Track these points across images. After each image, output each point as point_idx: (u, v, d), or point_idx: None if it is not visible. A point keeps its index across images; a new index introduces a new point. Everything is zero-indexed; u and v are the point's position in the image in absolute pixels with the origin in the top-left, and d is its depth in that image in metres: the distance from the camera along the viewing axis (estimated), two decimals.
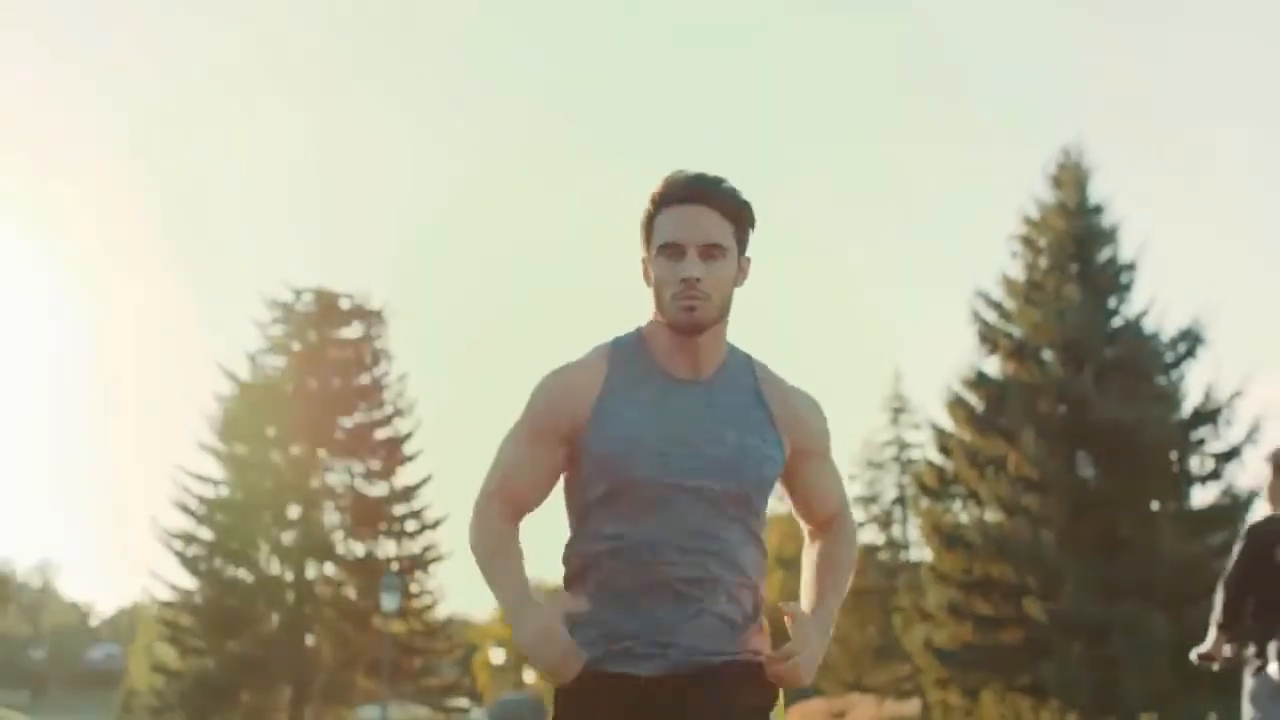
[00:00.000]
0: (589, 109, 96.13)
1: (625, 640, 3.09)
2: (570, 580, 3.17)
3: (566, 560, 3.19)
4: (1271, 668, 6.49)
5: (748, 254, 3.20)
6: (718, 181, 3.17)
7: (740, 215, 3.15)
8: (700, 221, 3.10)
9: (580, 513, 3.16)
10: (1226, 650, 6.74)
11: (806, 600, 3.29)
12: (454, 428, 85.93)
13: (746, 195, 3.20)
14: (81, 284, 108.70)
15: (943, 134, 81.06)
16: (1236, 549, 6.80)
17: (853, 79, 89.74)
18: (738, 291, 3.20)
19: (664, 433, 3.10)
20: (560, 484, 3.24)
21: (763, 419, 3.17)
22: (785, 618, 3.16)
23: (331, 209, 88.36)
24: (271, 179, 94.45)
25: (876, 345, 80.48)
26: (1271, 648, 6.52)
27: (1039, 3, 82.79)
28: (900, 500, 42.39)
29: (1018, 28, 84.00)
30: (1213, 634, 6.80)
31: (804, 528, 3.44)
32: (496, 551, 3.16)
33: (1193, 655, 6.97)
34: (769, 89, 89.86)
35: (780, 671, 3.08)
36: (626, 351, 3.20)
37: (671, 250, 3.10)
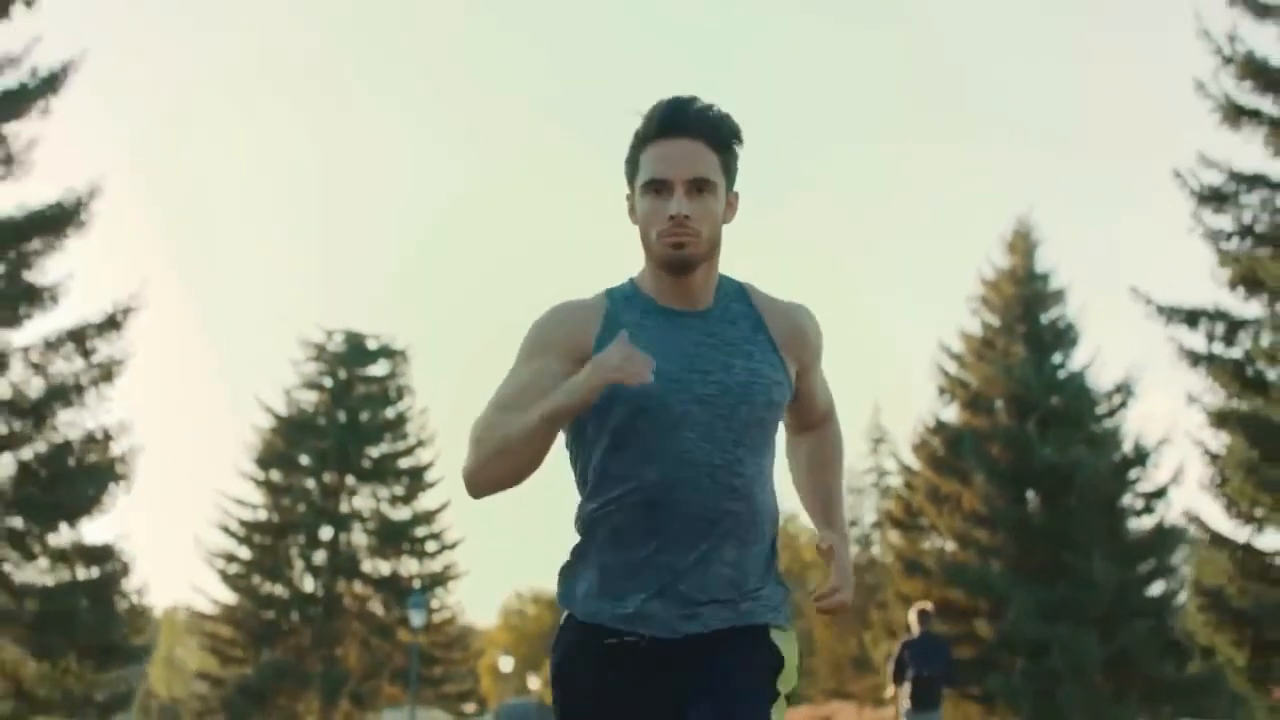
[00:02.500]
0: (590, 120, 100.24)
1: (631, 595, 3.10)
2: (584, 538, 3.18)
3: (580, 520, 3.18)
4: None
5: (736, 189, 3.18)
6: (703, 110, 3.13)
7: (728, 144, 3.13)
8: (686, 156, 3.08)
9: (595, 464, 3.15)
10: None
11: (815, 505, 3.42)
12: None
13: (733, 118, 3.16)
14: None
15: (942, 139, 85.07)
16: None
17: (849, 86, 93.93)
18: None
19: (675, 360, 3.11)
20: (565, 442, 3.23)
21: (766, 344, 3.20)
22: (821, 550, 3.26)
23: (334, 231, 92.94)
24: (273, 212, 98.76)
25: (864, 365, 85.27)
26: None
27: (1039, 11, 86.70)
28: (879, 524, 47.96)
29: (1019, 35, 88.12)
30: None
31: (786, 426, 3.46)
32: (503, 423, 3.03)
33: None
34: (770, 95, 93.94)
35: (829, 606, 3.20)
36: (622, 293, 3.22)
37: (658, 187, 3.08)
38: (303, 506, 42.08)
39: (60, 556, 21.62)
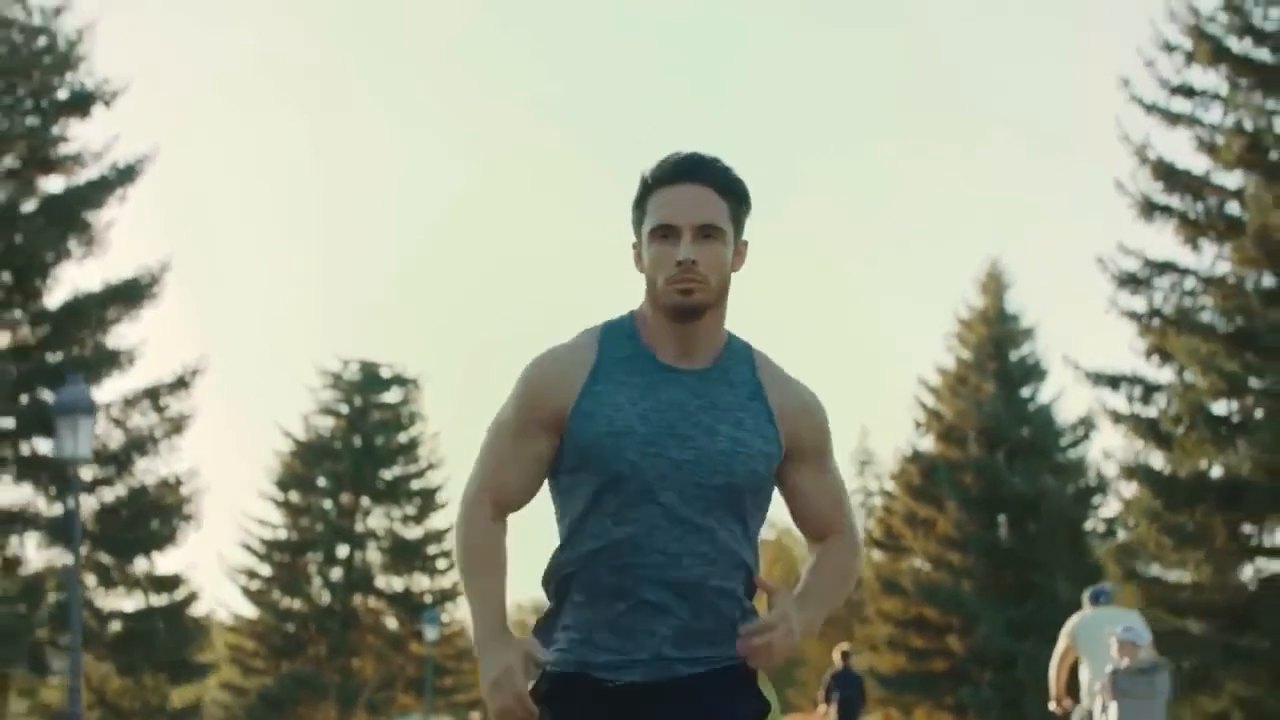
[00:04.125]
0: (595, 127, 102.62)
1: (605, 651, 3.11)
2: (557, 590, 3.19)
3: (554, 568, 3.18)
4: None
5: (745, 238, 3.19)
6: (712, 160, 3.17)
7: (737, 193, 3.15)
8: (695, 201, 3.09)
9: (571, 519, 3.16)
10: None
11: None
12: None
13: (742, 179, 3.18)
14: None
15: (943, 143, 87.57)
16: None
17: (848, 90, 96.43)
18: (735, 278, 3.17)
19: (654, 423, 3.08)
20: (549, 491, 3.25)
21: (760, 412, 3.15)
22: (764, 592, 3.11)
23: (336, 251, 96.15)
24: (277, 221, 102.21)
25: (854, 385, 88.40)
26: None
27: (1034, 13, 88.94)
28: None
29: (1018, 38, 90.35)
30: None
31: (805, 539, 3.40)
32: (481, 564, 3.15)
33: None
34: (771, 100, 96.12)
35: (751, 646, 3.03)
36: (618, 336, 3.19)
37: (665, 232, 3.09)
38: (320, 526, 45.46)
39: (138, 584, 25.75)
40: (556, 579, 3.20)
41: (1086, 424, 39.14)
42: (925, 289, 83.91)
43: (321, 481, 46.36)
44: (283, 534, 45.76)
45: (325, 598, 45.45)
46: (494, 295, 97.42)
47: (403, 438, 47.11)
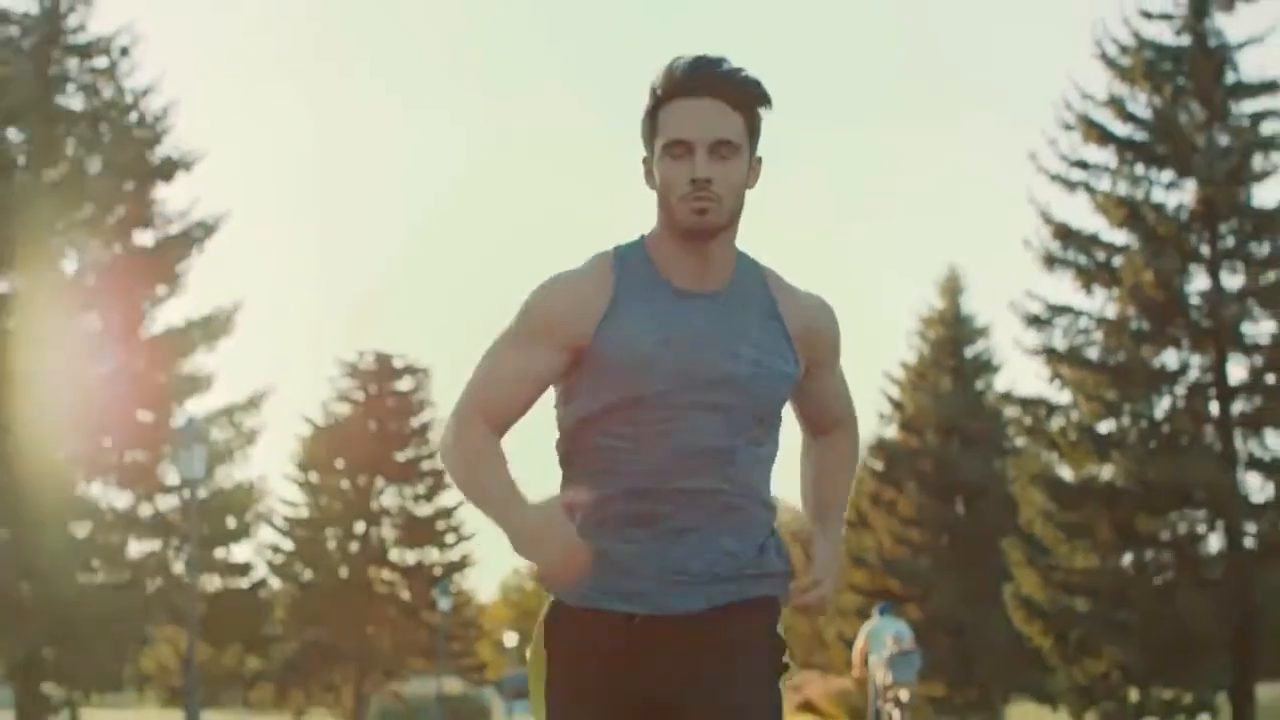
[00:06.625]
0: (603, 105, 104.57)
1: (625, 577, 3.17)
2: (569, 496, 3.20)
3: (567, 504, 3.16)
4: None
5: (759, 154, 3.20)
6: (728, 68, 3.14)
7: (753, 105, 3.16)
8: (710, 116, 3.10)
9: (579, 449, 3.25)
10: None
11: (809, 509, 3.50)
12: None
13: (760, 82, 3.17)
14: None
15: (930, 120, 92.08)
16: None
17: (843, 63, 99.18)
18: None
19: (679, 348, 3.14)
20: (556, 419, 3.31)
21: (778, 332, 3.25)
22: (800, 539, 3.45)
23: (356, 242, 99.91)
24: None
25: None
26: None
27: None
28: None
29: (1009, 11, 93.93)
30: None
31: (802, 429, 3.55)
32: (480, 458, 3.17)
33: None
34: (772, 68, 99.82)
35: (807, 602, 3.29)
36: (631, 262, 3.23)
37: (678, 148, 3.10)
38: (338, 504, 50.47)
39: (219, 570, 32.51)
40: (569, 481, 3.29)
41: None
42: (889, 292, 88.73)
43: (339, 463, 50.81)
44: (304, 512, 50.82)
45: (343, 571, 50.51)
46: (501, 283, 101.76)
47: (414, 422, 52.25)
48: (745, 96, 3.16)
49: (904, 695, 20.75)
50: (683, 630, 3.20)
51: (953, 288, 47.10)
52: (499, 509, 3.10)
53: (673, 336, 3.17)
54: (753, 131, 3.19)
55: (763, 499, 3.28)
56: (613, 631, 3.19)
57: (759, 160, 3.21)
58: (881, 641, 20.96)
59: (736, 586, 3.24)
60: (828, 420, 3.51)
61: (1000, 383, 46.33)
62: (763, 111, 3.21)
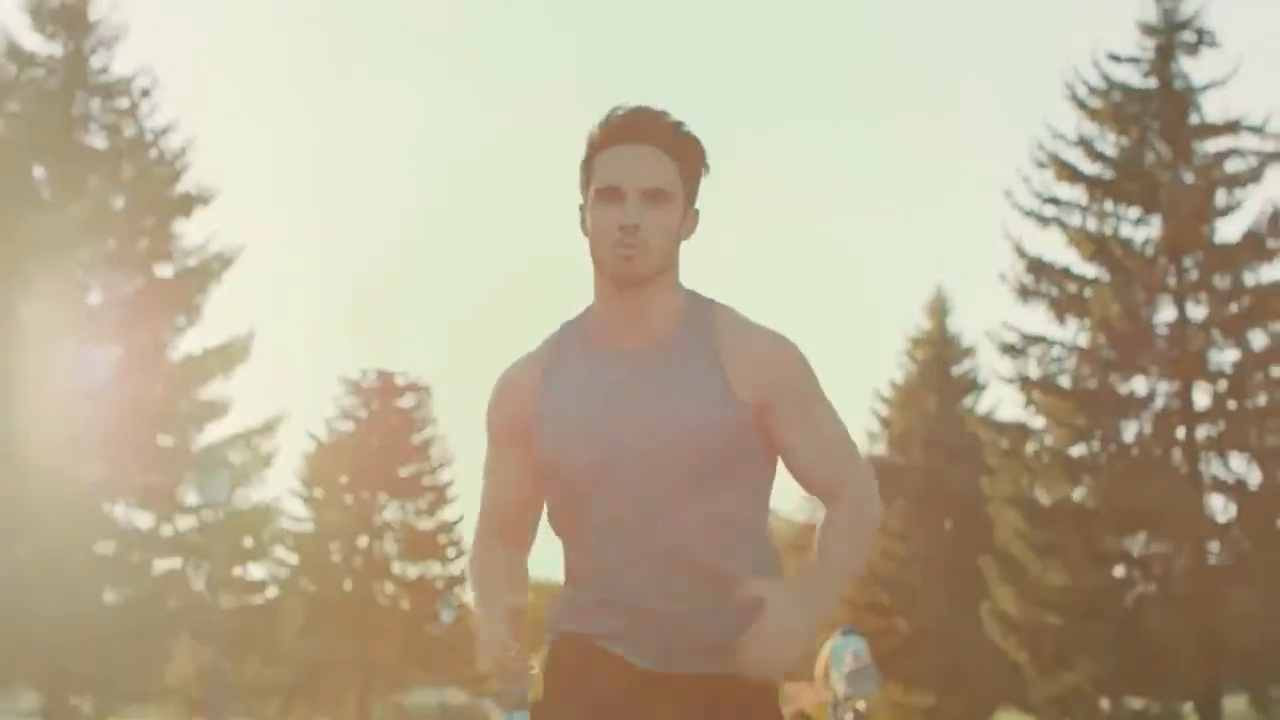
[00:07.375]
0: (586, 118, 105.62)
1: (608, 622, 3.20)
2: (564, 577, 3.31)
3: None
4: None
5: (697, 206, 3.17)
6: (662, 116, 3.13)
7: (688, 154, 3.14)
8: (643, 162, 3.09)
9: (556, 528, 3.31)
10: None
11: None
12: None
13: (697, 136, 3.16)
14: None
15: (922, 108, 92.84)
16: None
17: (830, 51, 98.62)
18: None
19: (594, 411, 3.14)
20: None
21: (714, 380, 3.13)
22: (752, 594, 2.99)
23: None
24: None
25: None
26: None
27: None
28: None
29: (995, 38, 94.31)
30: None
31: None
32: (472, 569, 3.31)
33: None
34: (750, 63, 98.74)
35: (746, 661, 3.02)
36: (571, 335, 3.24)
37: (609, 194, 3.09)
38: (342, 519, 51.39)
39: (236, 588, 34.60)
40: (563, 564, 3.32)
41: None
42: (873, 312, 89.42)
43: (343, 479, 52.24)
44: (309, 526, 51.97)
45: (348, 584, 51.39)
46: (501, 302, 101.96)
47: (416, 439, 53.30)
48: (680, 145, 3.16)
49: (861, 705, 22.58)
50: (679, 688, 3.21)
51: (939, 309, 49.10)
52: (477, 615, 3.26)
53: (589, 400, 3.18)
54: (688, 182, 3.18)
55: (736, 558, 3.18)
56: (612, 674, 3.19)
57: (696, 213, 3.20)
58: (841, 659, 22.63)
59: (723, 659, 3.17)
60: (817, 485, 3.28)
61: (987, 401, 48.37)
62: (700, 166, 3.22)
